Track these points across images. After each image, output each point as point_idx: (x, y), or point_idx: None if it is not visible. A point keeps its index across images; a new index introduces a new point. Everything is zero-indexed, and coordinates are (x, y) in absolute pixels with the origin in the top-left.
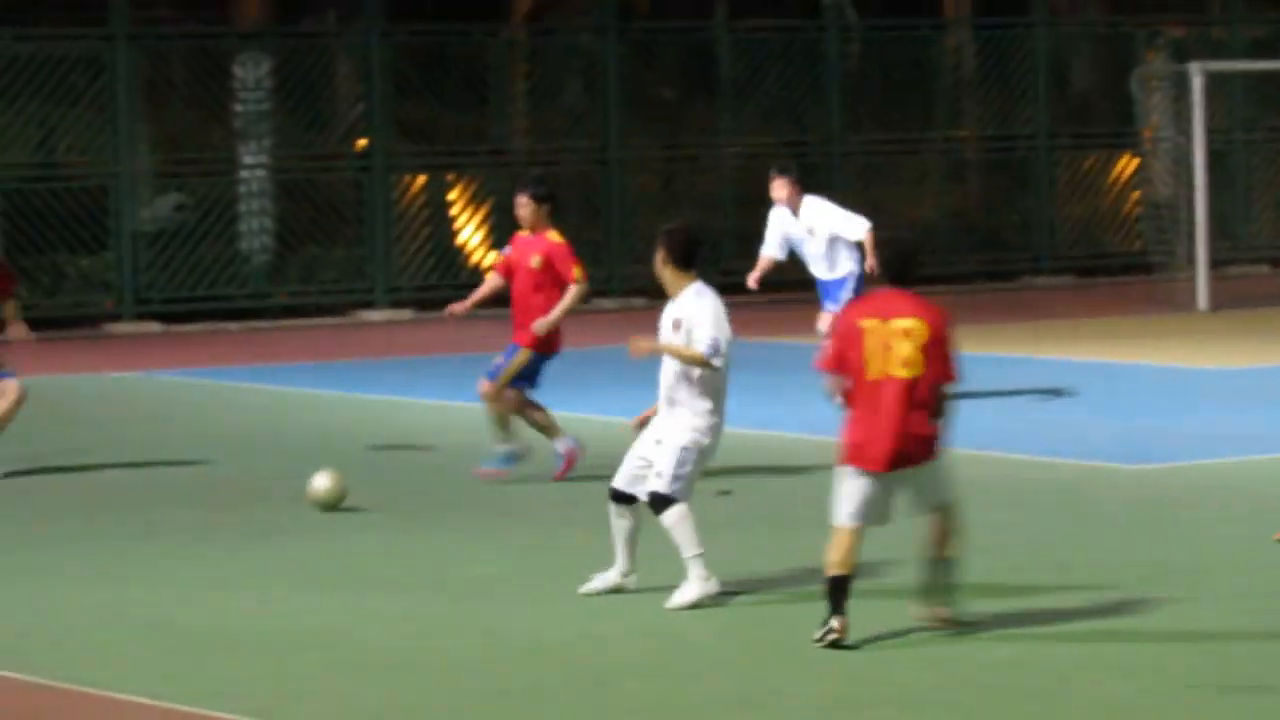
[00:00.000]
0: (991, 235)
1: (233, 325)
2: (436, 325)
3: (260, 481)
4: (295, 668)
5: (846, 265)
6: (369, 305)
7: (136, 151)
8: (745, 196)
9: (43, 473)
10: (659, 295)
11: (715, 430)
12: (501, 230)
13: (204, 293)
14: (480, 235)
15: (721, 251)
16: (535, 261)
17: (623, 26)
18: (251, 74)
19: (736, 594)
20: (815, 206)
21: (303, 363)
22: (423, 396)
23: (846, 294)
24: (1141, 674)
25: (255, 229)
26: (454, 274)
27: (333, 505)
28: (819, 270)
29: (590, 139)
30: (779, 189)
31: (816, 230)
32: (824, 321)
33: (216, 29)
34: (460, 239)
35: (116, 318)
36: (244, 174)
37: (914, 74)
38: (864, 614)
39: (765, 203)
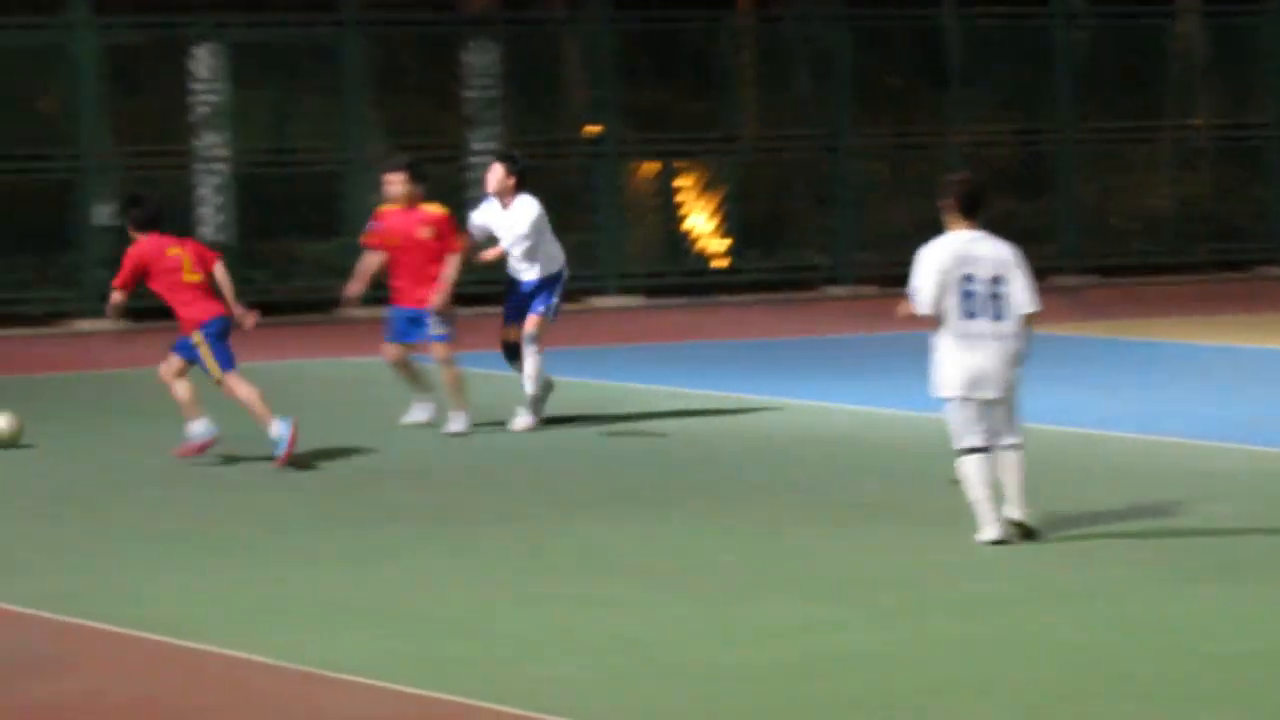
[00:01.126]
0: (1224, 225)
1: (465, 310)
2: (666, 312)
3: (496, 467)
4: (535, 655)
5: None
6: (599, 291)
7: (367, 138)
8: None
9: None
10: (889, 283)
11: None
12: (732, 218)
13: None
14: (709, 222)
15: None
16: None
17: (852, 13)
18: (480, 60)
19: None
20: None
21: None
22: (654, 383)
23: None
24: None
25: None
26: (683, 260)
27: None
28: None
29: (819, 126)
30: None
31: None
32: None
33: (445, 15)
34: (688, 225)
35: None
36: (473, 160)
37: (1144, 61)
38: None
39: (997, 192)
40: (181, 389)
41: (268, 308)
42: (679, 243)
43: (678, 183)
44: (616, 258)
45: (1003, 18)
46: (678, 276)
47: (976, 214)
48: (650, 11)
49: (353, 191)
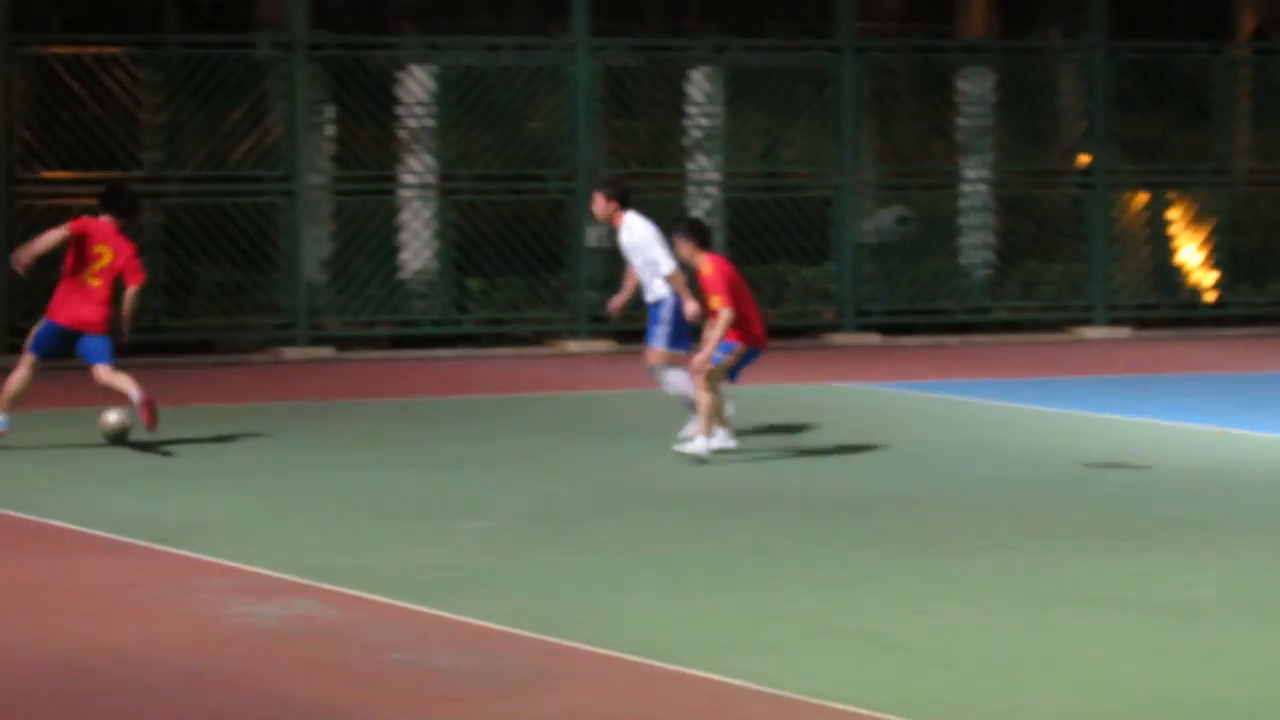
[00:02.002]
0: None
1: (951, 339)
2: (1153, 344)
3: (974, 495)
4: (1015, 685)
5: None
6: (1087, 322)
7: (860, 163)
8: None
9: (763, 479)
10: None
11: None
12: (1221, 250)
13: (924, 305)
14: (1200, 255)
15: None
16: (108, 256)
17: None
18: (975, 88)
19: None
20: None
21: (1020, 378)
22: (1140, 415)
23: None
24: None
25: (976, 243)
26: (1173, 293)
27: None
28: None
29: None
30: None
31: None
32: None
33: (941, 42)
34: (1179, 258)
35: (837, 329)
36: (965, 188)
37: None
38: None
39: None
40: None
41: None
42: (1168, 275)
43: (1168, 214)
44: (1105, 289)
45: None
46: (1167, 309)
47: None
48: (1146, 42)
49: (844, 217)
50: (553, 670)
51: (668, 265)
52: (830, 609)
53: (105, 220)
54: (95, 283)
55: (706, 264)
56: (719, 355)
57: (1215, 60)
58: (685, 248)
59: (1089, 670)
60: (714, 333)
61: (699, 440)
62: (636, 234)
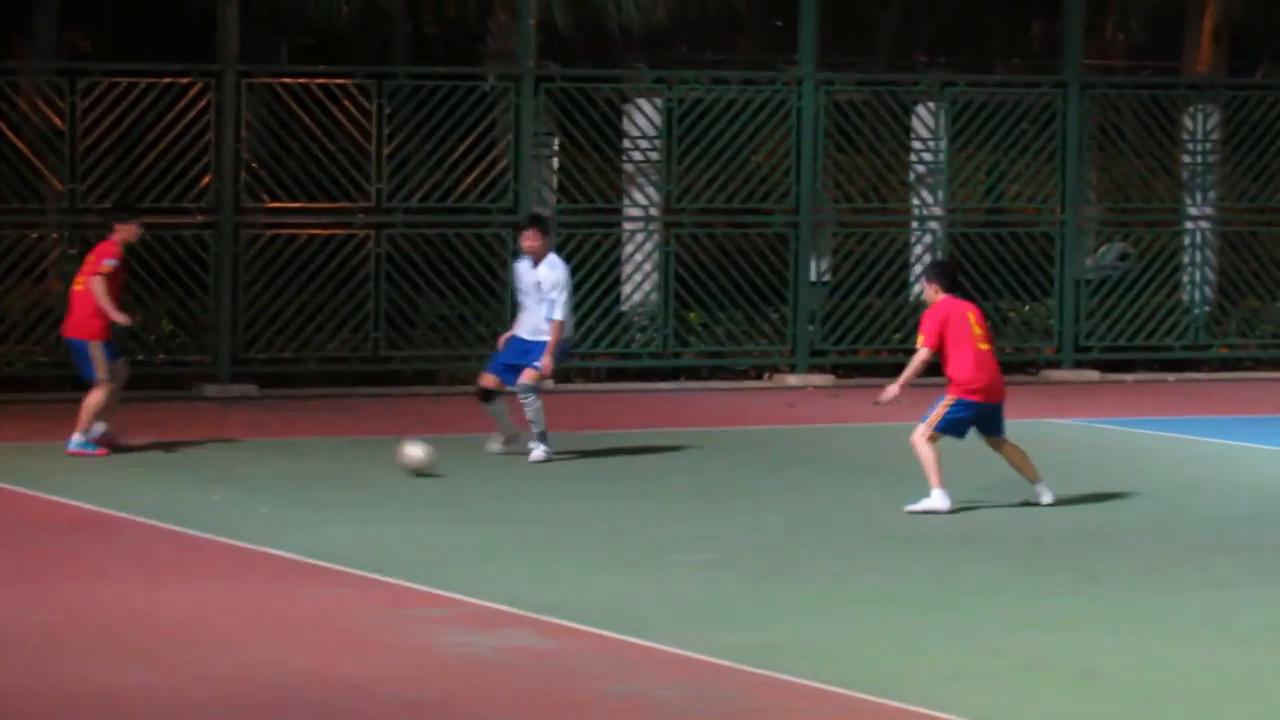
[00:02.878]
0: None
1: (1170, 376)
2: None
3: (1193, 532)
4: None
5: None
6: None
7: (1083, 200)
8: None
9: (981, 515)
10: None
11: None
12: None
13: (1143, 342)
14: None
15: None
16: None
17: None
18: (1201, 125)
19: None
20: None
21: (1240, 415)
22: None
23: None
24: None
25: (1197, 280)
26: None
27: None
28: None
29: None
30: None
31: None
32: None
33: (1167, 79)
34: None
35: (1056, 364)
36: (1188, 225)
37: None
38: None
39: None
40: None
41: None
42: None
43: None
44: None
45: None
46: None
47: None
48: None
49: (1066, 253)
50: (768, 704)
51: (560, 314)
52: (1045, 644)
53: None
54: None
55: (933, 304)
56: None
57: None
58: (930, 289)
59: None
60: (905, 370)
61: (934, 494)
62: (558, 274)
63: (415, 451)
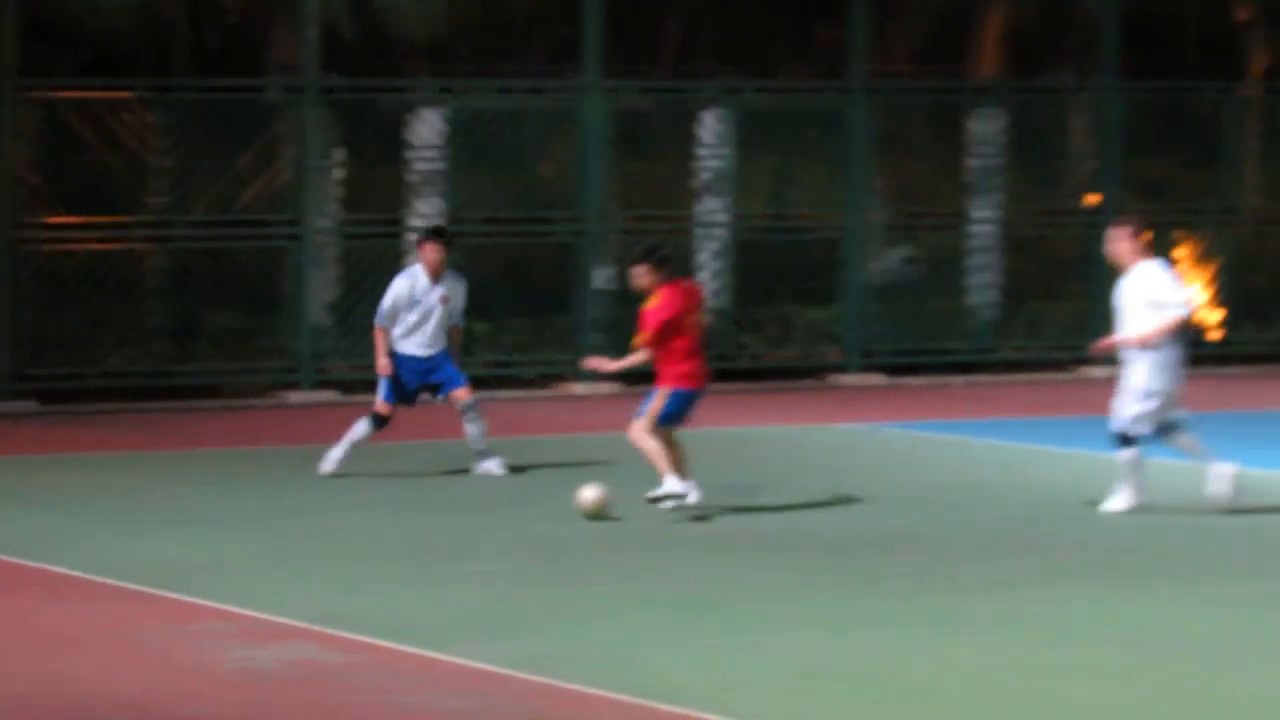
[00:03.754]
0: None
1: (957, 379)
2: None
3: (976, 535)
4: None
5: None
6: (1089, 361)
7: (869, 204)
8: None
9: (766, 520)
10: None
11: None
12: (1227, 289)
13: (929, 345)
14: (1206, 294)
15: None
16: None
17: None
18: (984, 128)
19: None
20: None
21: (1025, 417)
22: (1145, 454)
23: None
24: None
25: (982, 283)
26: (1183, 332)
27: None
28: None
29: None
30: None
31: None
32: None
33: (952, 83)
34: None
35: (842, 369)
36: (973, 228)
37: None
38: None
39: None
40: None
41: (759, 374)
42: None
43: (1174, 254)
44: (1110, 328)
45: None
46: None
47: None
48: (1158, 82)
49: (851, 258)
50: (553, 713)
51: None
52: (830, 647)
53: None
54: None
55: (659, 297)
56: (644, 406)
57: (1226, 100)
58: (649, 277)
59: (1089, 709)
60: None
61: (669, 481)
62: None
63: (590, 493)
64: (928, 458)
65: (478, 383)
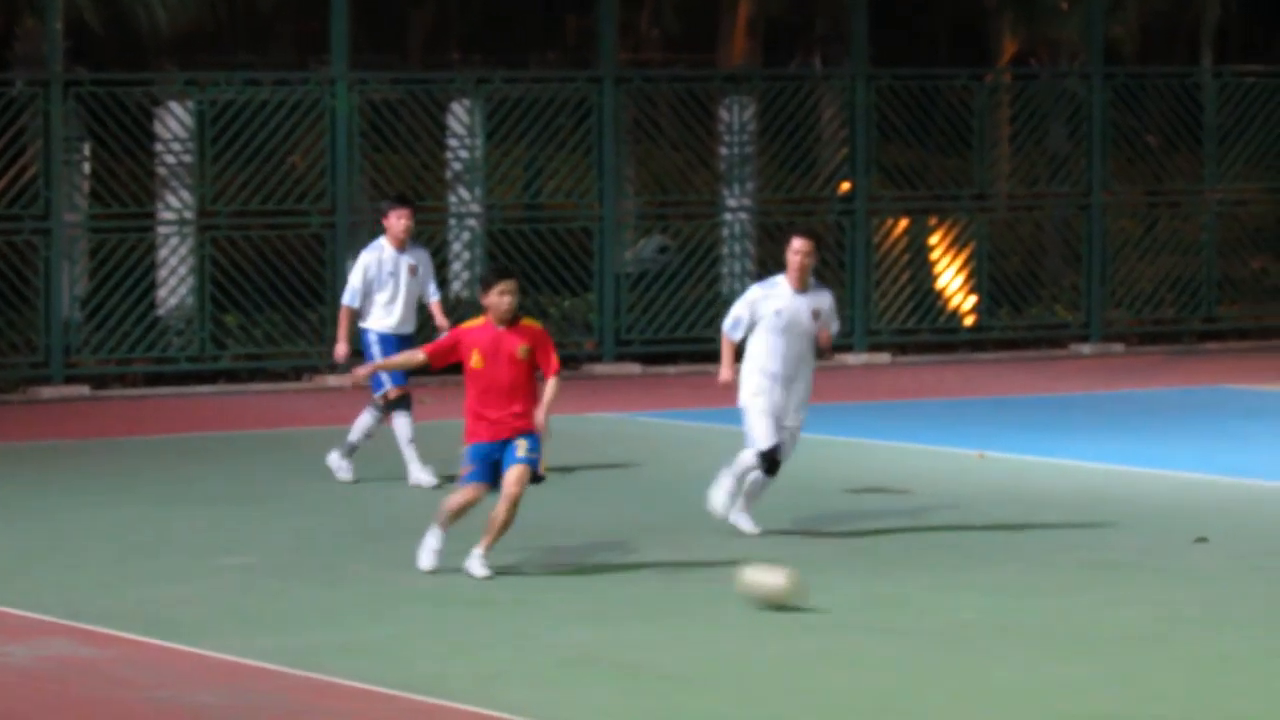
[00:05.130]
0: None
1: (711, 367)
2: (914, 369)
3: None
4: (776, 712)
5: None
6: (847, 348)
7: (621, 194)
8: (1228, 243)
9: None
10: (1138, 341)
11: None
12: (982, 275)
13: (684, 334)
14: (960, 280)
15: (1201, 297)
16: None
17: (1108, 71)
18: (736, 117)
19: None
20: None
21: None
22: (901, 440)
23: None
24: None
25: (736, 272)
26: (932, 318)
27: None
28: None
29: (1073, 184)
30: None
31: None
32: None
33: (702, 71)
34: (939, 283)
35: (598, 359)
36: (726, 216)
37: None
38: None
39: (1247, 249)
40: None
41: None
42: (928, 300)
43: (929, 240)
44: (865, 314)
45: (1261, 75)
46: (927, 334)
47: None
48: (906, 69)
49: (604, 247)
50: (313, 706)
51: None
52: (591, 638)
53: None
54: None
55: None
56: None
57: (976, 86)
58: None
59: (854, 696)
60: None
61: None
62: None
63: (766, 579)
64: (684, 446)
65: (230, 376)
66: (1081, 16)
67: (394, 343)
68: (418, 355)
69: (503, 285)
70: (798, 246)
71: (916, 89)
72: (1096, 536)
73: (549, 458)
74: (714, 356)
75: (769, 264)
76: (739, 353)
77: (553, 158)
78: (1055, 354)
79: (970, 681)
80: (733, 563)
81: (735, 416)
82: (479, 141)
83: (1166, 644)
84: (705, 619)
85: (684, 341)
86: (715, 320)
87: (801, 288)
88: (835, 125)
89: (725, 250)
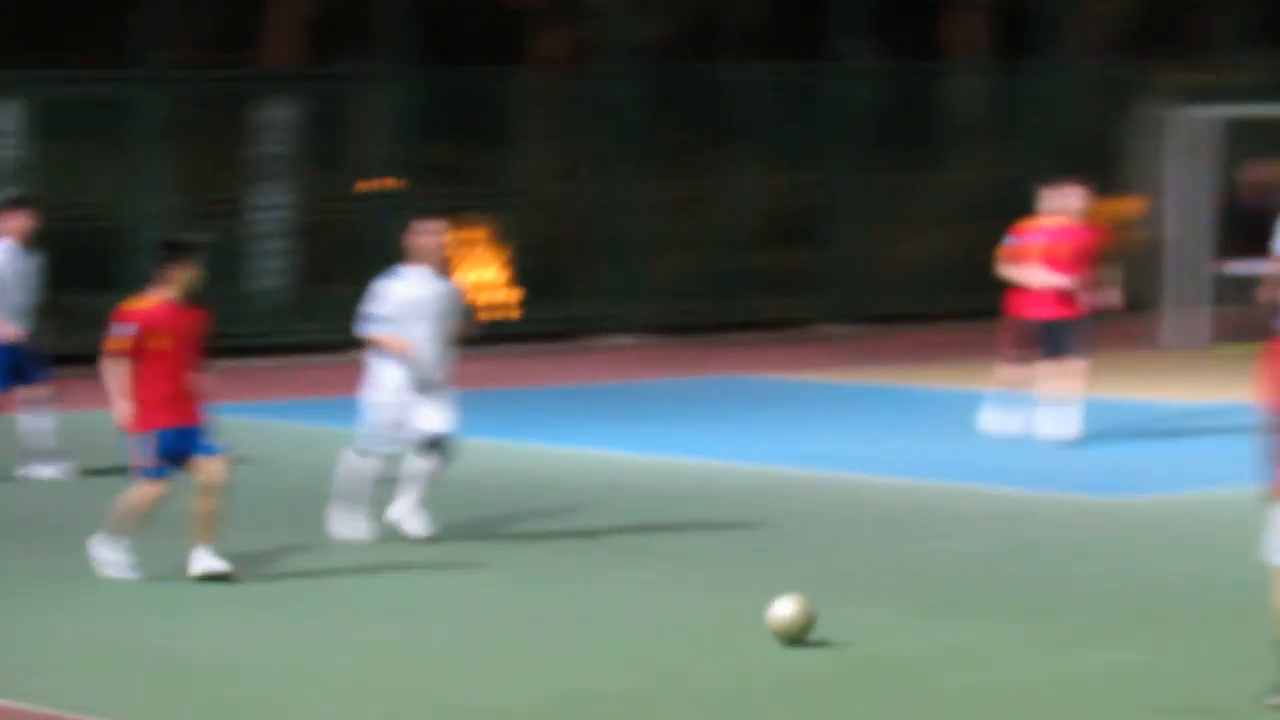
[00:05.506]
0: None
1: (258, 362)
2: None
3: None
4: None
5: None
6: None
7: (160, 193)
8: (761, 236)
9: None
10: (672, 332)
11: None
12: (521, 270)
13: (216, 330)
14: (500, 274)
15: (740, 287)
16: None
17: (643, 69)
18: (276, 116)
19: None
20: None
21: (310, 398)
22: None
23: None
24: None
25: (270, 269)
26: (478, 312)
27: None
28: None
29: (608, 180)
30: None
31: None
32: None
33: (241, 70)
34: (482, 278)
35: None
36: (260, 214)
37: (920, 115)
38: None
39: (779, 244)
40: None
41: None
42: (470, 295)
43: (466, 236)
44: None
45: (782, 73)
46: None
47: None
48: (445, 70)
49: (141, 245)
50: None
51: None
52: (110, 628)
53: None
54: None
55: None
56: None
57: (513, 83)
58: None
59: (351, 678)
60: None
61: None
62: None
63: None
64: (231, 441)
65: None
66: (618, 16)
67: None
68: None
69: None
70: None
71: (457, 88)
72: (613, 522)
73: None
74: (241, 352)
75: (309, 260)
76: None
77: (95, 157)
78: (593, 345)
79: (489, 662)
80: (241, 555)
81: (266, 410)
82: (24, 141)
83: (677, 629)
84: (241, 609)
85: (217, 337)
86: (248, 316)
87: None
88: (379, 124)
89: (259, 247)
